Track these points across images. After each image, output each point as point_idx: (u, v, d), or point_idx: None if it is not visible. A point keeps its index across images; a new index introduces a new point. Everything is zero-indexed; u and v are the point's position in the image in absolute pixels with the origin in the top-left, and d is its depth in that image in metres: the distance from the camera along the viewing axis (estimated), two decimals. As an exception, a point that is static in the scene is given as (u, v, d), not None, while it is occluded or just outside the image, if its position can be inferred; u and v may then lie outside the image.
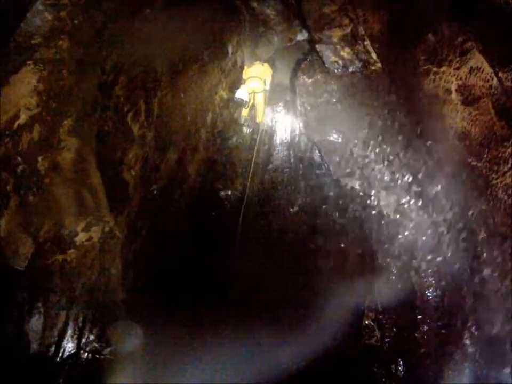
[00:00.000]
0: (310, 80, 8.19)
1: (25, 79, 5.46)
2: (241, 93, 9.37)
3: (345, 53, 7.57)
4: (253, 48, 9.55)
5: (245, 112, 10.00)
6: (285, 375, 7.53)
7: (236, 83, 9.50)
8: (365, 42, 7.38)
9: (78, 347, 6.14)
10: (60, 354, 5.98)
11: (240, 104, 9.55)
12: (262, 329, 7.96)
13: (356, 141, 7.49)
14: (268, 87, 9.82)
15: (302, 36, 8.99)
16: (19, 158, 5.27)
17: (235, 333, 7.87)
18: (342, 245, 8.18)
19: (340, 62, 7.68)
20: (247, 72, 9.71)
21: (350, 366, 7.38)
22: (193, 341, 7.80)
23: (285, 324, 8.37)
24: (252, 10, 8.91)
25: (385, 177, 7.13)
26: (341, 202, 8.16)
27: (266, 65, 9.72)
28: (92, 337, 6.25)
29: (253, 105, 9.92)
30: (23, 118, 5.33)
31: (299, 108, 8.89)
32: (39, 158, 5.47)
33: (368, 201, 7.44)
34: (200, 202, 9.07)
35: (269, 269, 8.76)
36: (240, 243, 9.18)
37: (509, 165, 5.48)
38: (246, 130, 10.18)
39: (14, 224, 5.25)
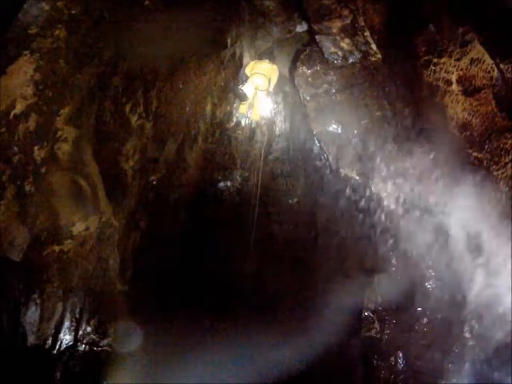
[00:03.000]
0: (310, 71, 8.14)
1: (22, 68, 5.41)
2: (245, 87, 9.13)
3: (345, 43, 7.54)
4: (252, 40, 9.47)
5: (243, 108, 9.68)
6: (285, 372, 7.52)
7: (235, 74, 9.43)
8: (365, 33, 7.36)
9: (75, 339, 6.12)
10: (57, 347, 5.96)
11: (240, 97, 9.28)
12: (262, 323, 7.97)
13: (355, 132, 7.47)
14: (271, 89, 9.45)
15: (301, 28, 8.93)
16: (15, 148, 5.23)
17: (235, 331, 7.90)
18: (342, 236, 8.16)
19: (340, 53, 7.66)
20: (254, 67, 9.29)
21: (349, 358, 7.37)
22: (193, 339, 7.78)
23: (284, 319, 8.37)
24: (251, 2, 8.87)
25: (385, 168, 7.11)
26: (340, 193, 8.13)
27: (275, 66, 9.34)
28: (89, 329, 6.23)
29: (252, 102, 9.60)
30: (19, 108, 5.28)
31: (298, 98, 8.86)
32: (35, 148, 5.43)
33: (368, 192, 7.41)
34: (199, 193, 9.06)
35: (268, 260, 8.76)
36: (241, 235, 9.19)
37: (510, 156, 5.46)
38: (245, 121, 10.09)
39: (10, 215, 5.21)
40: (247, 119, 10.02)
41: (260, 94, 9.34)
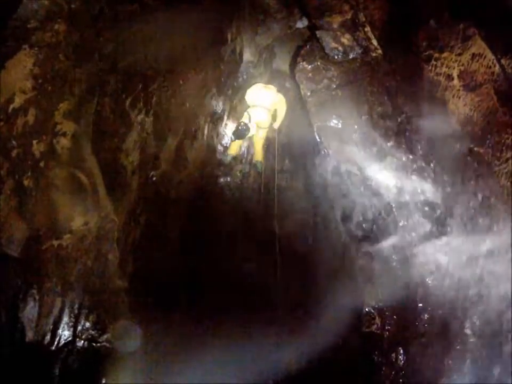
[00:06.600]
0: (310, 67, 8.10)
1: (21, 62, 5.40)
2: (244, 121, 8.25)
3: (346, 39, 7.52)
4: (252, 36, 9.43)
5: (234, 146, 8.99)
6: (285, 372, 7.52)
7: (235, 70, 9.39)
8: (365, 29, 7.35)
9: (74, 335, 6.10)
10: (56, 343, 5.94)
11: (238, 135, 8.37)
12: (262, 323, 7.95)
13: (355, 127, 7.45)
14: (277, 125, 8.77)
15: (302, 24, 8.91)
16: (14, 142, 5.22)
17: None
18: (342, 232, 8.14)
19: (340, 48, 7.63)
20: (257, 96, 8.51)
21: (350, 354, 7.36)
22: (193, 339, 7.75)
23: (284, 318, 8.35)
24: (251, -2, 8.90)
25: (385, 163, 7.10)
26: (340, 187, 8.11)
27: (281, 96, 8.68)
28: (88, 324, 6.21)
29: (250, 139, 9.00)
30: (17, 102, 5.27)
31: (298, 94, 8.81)
32: (34, 142, 5.43)
33: (368, 187, 7.40)
34: (199, 189, 9.02)
35: (269, 257, 8.73)
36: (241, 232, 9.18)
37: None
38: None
39: (9, 209, 5.20)
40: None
41: (260, 133, 8.68)
